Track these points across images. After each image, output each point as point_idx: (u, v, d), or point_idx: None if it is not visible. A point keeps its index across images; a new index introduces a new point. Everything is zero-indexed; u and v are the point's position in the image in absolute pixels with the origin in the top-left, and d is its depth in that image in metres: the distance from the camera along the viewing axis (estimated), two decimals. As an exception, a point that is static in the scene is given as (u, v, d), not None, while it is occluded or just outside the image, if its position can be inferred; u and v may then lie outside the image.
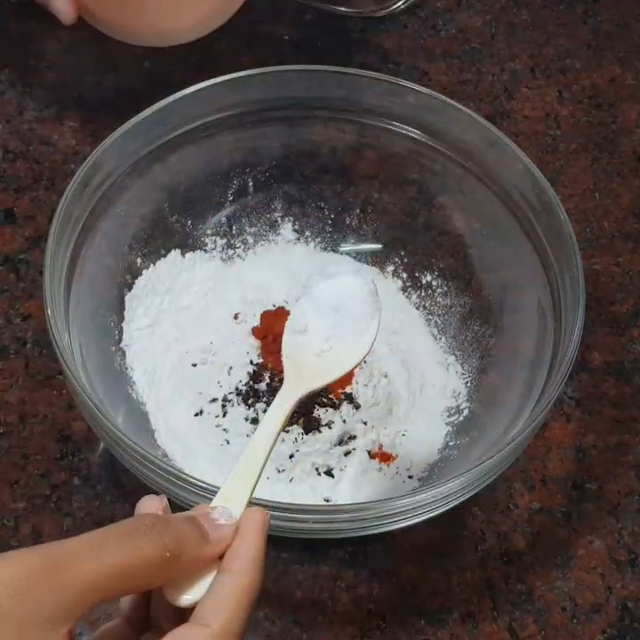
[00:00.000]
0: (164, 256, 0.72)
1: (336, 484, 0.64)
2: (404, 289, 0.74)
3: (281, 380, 0.66)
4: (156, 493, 0.56)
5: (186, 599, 0.40)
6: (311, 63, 0.82)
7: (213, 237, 0.74)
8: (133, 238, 0.70)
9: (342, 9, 0.90)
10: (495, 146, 0.68)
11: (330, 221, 0.76)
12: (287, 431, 0.65)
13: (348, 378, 0.68)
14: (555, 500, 0.67)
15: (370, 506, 0.56)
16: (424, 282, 0.74)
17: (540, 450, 0.68)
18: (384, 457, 0.66)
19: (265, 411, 0.66)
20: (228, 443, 0.65)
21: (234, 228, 0.75)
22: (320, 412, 0.66)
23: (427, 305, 0.73)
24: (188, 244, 0.73)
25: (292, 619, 0.61)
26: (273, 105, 0.72)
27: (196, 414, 0.67)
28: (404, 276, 0.74)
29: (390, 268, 0.75)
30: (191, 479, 0.54)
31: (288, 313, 0.71)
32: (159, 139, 0.69)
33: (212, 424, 0.66)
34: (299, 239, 0.76)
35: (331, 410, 0.67)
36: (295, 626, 0.61)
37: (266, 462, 0.46)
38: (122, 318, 0.69)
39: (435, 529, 0.64)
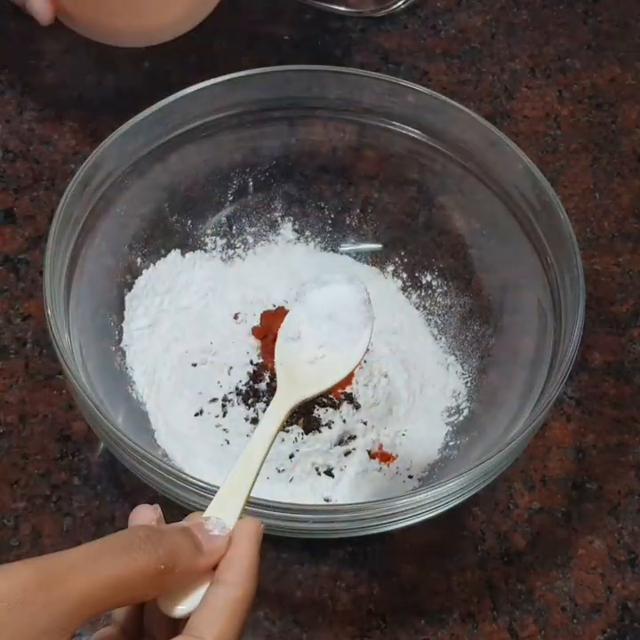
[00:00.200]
0: (164, 256, 0.72)
1: (336, 484, 0.64)
2: (404, 289, 0.74)
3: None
4: (156, 493, 0.56)
5: (179, 610, 0.40)
6: (311, 63, 0.82)
7: (213, 237, 0.74)
8: (133, 238, 0.70)
9: (342, 9, 0.90)
10: (495, 146, 0.68)
11: (330, 221, 0.76)
12: (287, 431, 0.65)
13: (347, 378, 0.68)
14: (555, 500, 0.67)
15: (370, 506, 0.56)
16: (424, 282, 0.74)
17: (540, 450, 0.68)
18: (384, 457, 0.66)
19: (265, 411, 0.66)
20: (228, 443, 0.65)
21: (234, 227, 0.75)
22: (320, 412, 0.66)
23: (427, 305, 0.73)
24: (188, 243, 0.73)
25: (292, 619, 0.61)
26: (273, 105, 0.72)
27: (196, 414, 0.67)
28: (404, 276, 0.74)
29: (390, 268, 0.75)
30: (191, 479, 0.54)
31: (288, 312, 0.70)
32: (159, 139, 0.69)
33: (212, 424, 0.66)
34: (299, 239, 0.76)
35: (331, 410, 0.67)
36: (295, 626, 0.61)
37: (259, 472, 0.46)
38: (122, 318, 0.69)
39: (435, 529, 0.64)
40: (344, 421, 0.66)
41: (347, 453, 0.66)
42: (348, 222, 0.76)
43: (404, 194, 0.74)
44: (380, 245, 0.75)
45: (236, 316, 0.71)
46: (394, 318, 0.72)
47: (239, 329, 0.71)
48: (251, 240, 0.75)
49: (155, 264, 0.71)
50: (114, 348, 0.68)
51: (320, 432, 0.66)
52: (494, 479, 0.59)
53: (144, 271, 0.71)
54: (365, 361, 0.69)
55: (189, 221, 0.73)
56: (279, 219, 0.76)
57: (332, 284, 0.56)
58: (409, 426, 0.68)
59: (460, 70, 0.88)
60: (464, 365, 0.70)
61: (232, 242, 0.75)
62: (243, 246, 0.75)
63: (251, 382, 0.67)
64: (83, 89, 0.84)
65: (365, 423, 0.67)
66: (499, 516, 0.66)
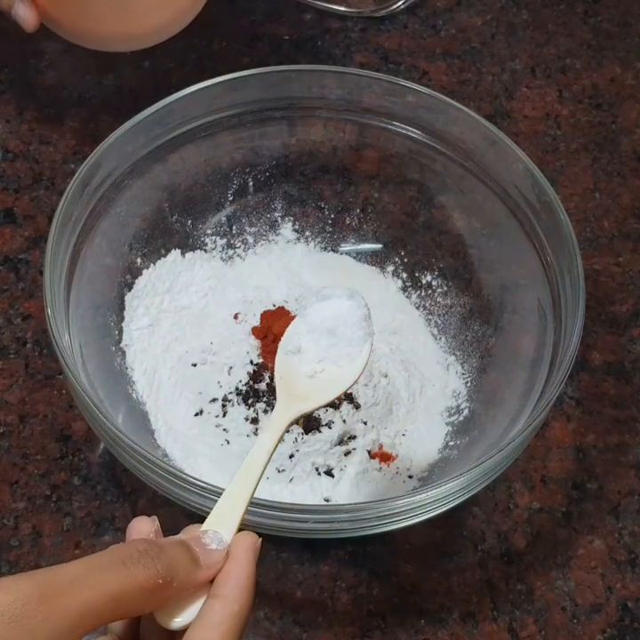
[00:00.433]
0: (164, 256, 0.72)
1: (336, 484, 0.64)
2: (404, 289, 0.74)
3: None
4: (156, 493, 0.56)
5: (176, 622, 0.41)
6: (311, 63, 0.83)
7: (213, 237, 0.74)
8: (133, 238, 0.70)
9: (342, 9, 0.90)
10: (495, 146, 0.68)
11: (330, 221, 0.76)
12: (287, 431, 0.65)
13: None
14: (555, 499, 0.67)
15: (370, 506, 0.56)
16: (424, 282, 0.74)
17: (540, 450, 0.68)
18: (384, 457, 0.66)
19: (265, 411, 0.66)
20: (228, 443, 0.65)
21: (234, 227, 0.75)
22: (320, 412, 0.66)
23: (427, 305, 0.73)
24: (188, 243, 0.73)
25: (292, 619, 0.61)
26: (273, 105, 0.72)
27: (196, 414, 0.67)
28: (404, 275, 0.74)
29: (390, 268, 0.75)
30: (191, 479, 0.54)
31: (288, 313, 0.71)
32: (159, 139, 0.69)
33: (212, 424, 0.66)
34: (299, 239, 0.76)
35: (331, 410, 0.67)
36: (295, 626, 0.61)
37: (258, 485, 0.46)
38: (122, 318, 0.69)
39: (435, 529, 0.64)
40: (344, 421, 0.66)
41: (347, 453, 0.66)
42: (348, 222, 0.76)
43: (404, 194, 0.74)
44: (379, 245, 0.75)
45: (236, 316, 0.71)
46: (394, 318, 0.72)
47: (239, 329, 0.71)
48: (251, 240, 0.75)
49: (155, 264, 0.71)
50: (114, 348, 0.68)
51: (320, 432, 0.66)
52: (494, 479, 0.59)
53: (144, 271, 0.71)
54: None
55: (189, 221, 0.73)
56: (279, 219, 0.76)
57: (333, 298, 0.56)
58: (409, 426, 0.68)
59: (460, 70, 0.88)
60: (464, 365, 0.70)
61: (232, 242, 0.75)
62: (243, 246, 0.75)
63: (251, 382, 0.67)
64: (83, 89, 0.84)
65: (365, 423, 0.67)
66: (499, 516, 0.66)
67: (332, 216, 0.76)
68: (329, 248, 0.76)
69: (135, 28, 0.75)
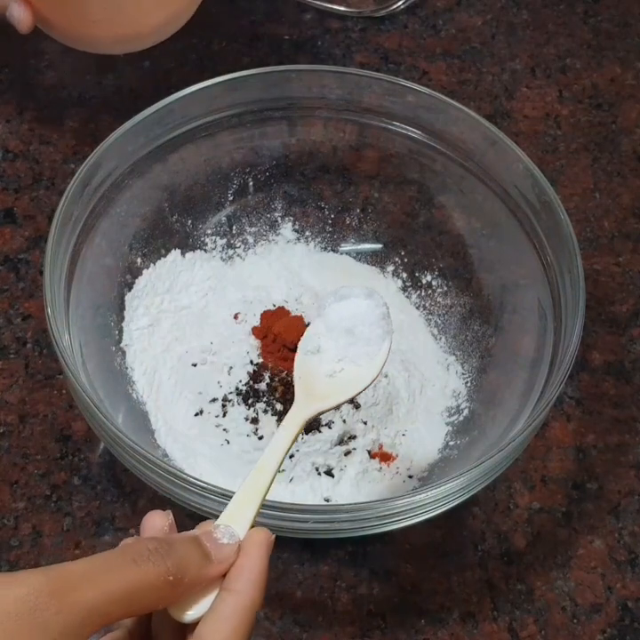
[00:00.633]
0: (164, 256, 0.72)
1: (336, 484, 0.64)
2: (404, 289, 0.74)
3: (280, 380, 0.66)
4: (156, 493, 0.56)
5: (188, 616, 0.41)
6: (311, 63, 0.83)
7: (213, 237, 0.74)
8: (133, 238, 0.70)
9: (342, 9, 0.90)
10: (495, 146, 0.68)
11: (330, 221, 0.76)
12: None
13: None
14: (555, 499, 0.67)
15: (370, 506, 0.56)
16: (424, 282, 0.74)
17: (540, 450, 0.68)
18: (384, 457, 0.66)
19: (265, 411, 0.66)
20: (228, 443, 0.65)
21: (234, 227, 0.75)
22: (320, 412, 0.66)
23: (427, 305, 0.73)
24: (188, 243, 0.73)
25: (292, 619, 0.61)
26: (273, 105, 0.72)
27: (196, 414, 0.67)
28: (404, 275, 0.74)
29: (390, 268, 0.75)
30: (191, 479, 0.54)
31: (288, 313, 0.71)
32: (159, 139, 0.69)
33: (212, 424, 0.66)
34: (299, 239, 0.76)
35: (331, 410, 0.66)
36: (295, 626, 0.61)
37: (272, 483, 0.46)
38: (122, 318, 0.69)
39: (435, 529, 0.64)
40: (344, 421, 0.66)
41: (347, 453, 0.66)
42: (348, 222, 0.76)
43: (404, 194, 0.74)
44: (379, 245, 0.75)
45: (236, 316, 0.71)
46: (394, 318, 0.72)
47: (239, 329, 0.70)
48: (251, 240, 0.75)
49: (155, 264, 0.71)
50: (114, 348, 0.68)
51: (320, 432, 0.66)
52: (494, 479, 0.59)
53: (144, 271, 0.71)
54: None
55: (189, 221, 0.73)
56: (279, 219, 0.76)
57: (351, 297, 0.56)
58: (409, 426, 0.68)
59: (460, 70, 0.88)
60: (464, 365, 0.70)
61: (232, 242, 0.75)
62: (243, 246, 0.75)
63: (251, 382, 0.67)
64: (83, 89, 0.84)
65: (365, 423, 0.67)
66: (499, 516, 0.66)
67: (332, 216, 0.76)
68: (329, 248, 0.76)
69: (129, 31, 0.75)
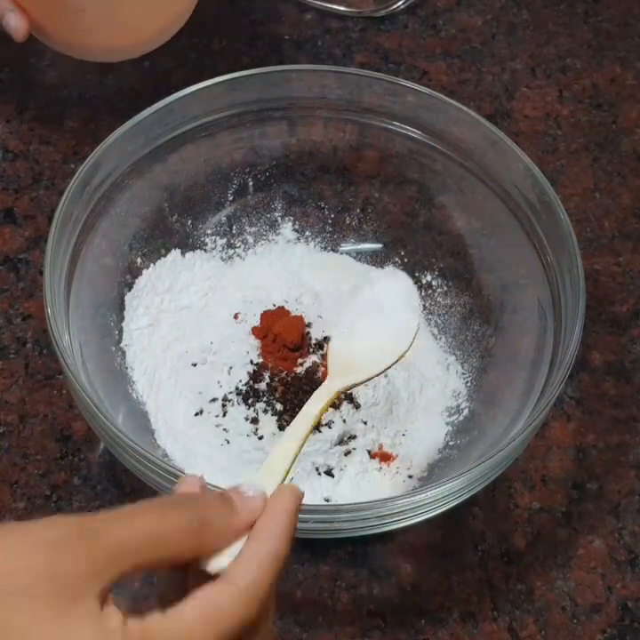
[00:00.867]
0: (164, 256, 0.72)
1: (336, 484, 0.64)
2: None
3: (280, 380, 0.66)
4: (156, 493, 0.56)
5: (215, 563, 0.41)
6: (311, 63, 0.83)
7: (213, 237, 0.74)
8: (133, 238, 0.70)
9: (342, 9, 0.90)
10: (495, 146, 0.68)
11: (330, 221, 0.76)
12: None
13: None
14: (555, 499, 0.67)
15: (370, 506, 0.56)
16: (424, 282, 0.74)
17: (540, 450, 0.68)
18: (384, 457, 0.66)
19: (265, 411, 0.66)
20: (228, 442, 0.65)
21: (234, 227, 0.75)
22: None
23: (427, 305, 0.73)
24: (188, 243, 0.73)
25: (292, 619, 0.61)
26: (273, 105, 0.72)
27: (196, 414, 0.67)
28: (404, 275, 0.74)
29: (390, 268, 0.75)
30: (191, 479, 0.54)
31: (288, 313, 0.71)
32: (159, 139, 0.69)
33: (212, 424, 0.66)
34: (299, 239, 0.76)
35: (331, 409, 0.66)
36: (295, 626, 0.61)
37: (301, 449, 0.49)
38: (122, 318, 0.69)
39: (435, 529, 0.64)
40: (344, 421, 0.66)
41: (347, 453, 0.66)
42: (348, 222, 0.76)
43: (404, 194, 0.74)
44: (379, 245, 0.75)
45: (236, 316, 0.71)
46: (394, 318, 0.72)
47: (239, 329, 0.70)
48: (251, 240, 0.75)
49: (155, 264, 0.71)
50: (114, 348, 0.68)
51: (320, 432, 0.66)
52: (494, 479, 0.59)
53: (144, 271, 0.71)
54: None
55: (189, 221, 0.73)
56: (279, 219, 0.76)
57: (381, 279, 0.62)
58: (409, 426, 0.68)
59: (460, 70, 0.88)
60: (464, 365, 0.70)
61: (232, 242, 0.75)
62: (243, 246, 0.75)
63: (251, 382, 0.67)
64: (83, 89, 0.84)
65: (365, 423, 0.67)
66: (499, 516, 0.66)
67: (332, 216, 0.76)
68: (329, 248, 0.76)
69: (121, 40, 0.76)
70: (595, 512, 0.66)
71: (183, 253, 0.73)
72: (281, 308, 0.71)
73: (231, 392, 0.67)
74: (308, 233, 0.76)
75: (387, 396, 0.68)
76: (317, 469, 0.65)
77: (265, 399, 0.66)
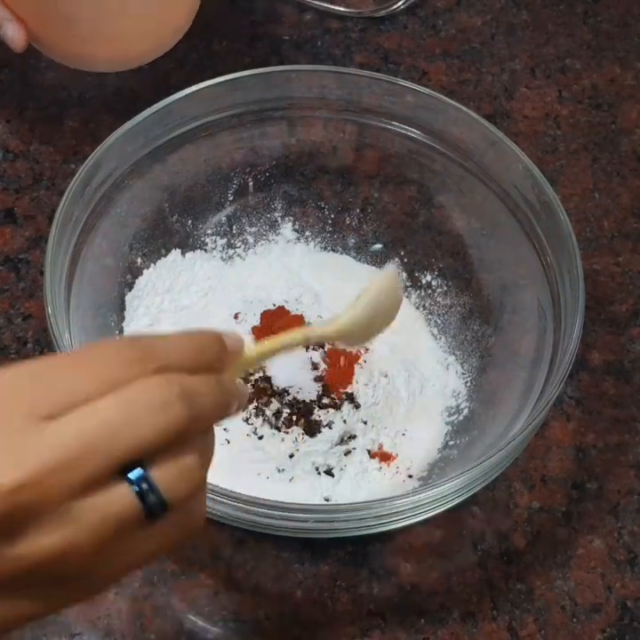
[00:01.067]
0: (165, 256, 0.72)
1: (336, 484, 0.65)
2: (404, 289, 0.74)
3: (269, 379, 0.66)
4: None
5: None
6: (311, 63, 0.83)
7: (213, 237, 0.74)
8: (133, 238, 0.70)
9: (342, 9, 0.90)
10: (495, 146, 0.68)
11: (330, 221, 0.76)
12: (287, 432, 0.65)
13: (348, 377, 0.68)
14: (555, 499, 0.67)
15: (370, 505, 0.56)
16: (424, 282, 0.74)
17: (539, 449, 0.68)
18: (384, 456, 0.66)
19: (263, 411, 0.66)
20: (228, 442, 0.65)
21: (234, 227, 0.75)
22: (321, 413, 0.66)
23: (427, 305, 0.73)
24: (189, 243, 0.73)
25: (292, 618, 0.61)
26: (273, 105, 0.72)
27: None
28: (404, 275, 0.74)
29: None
30: (191, 479, 0.54)
31: (288, 312, 0.71)
32: (159, 139, 0.69)
33: (212, 424, 0.66)
34: (299, 239, 0.76)
35: (331, 410, 0.67)
36: (295, 625, 0.61)
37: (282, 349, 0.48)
38: (122, 318, 0.69)
39: (435, 529, 0.64)
40: (344, 421, 0.66)
41: (347, 453, 0.66)
42: (348, 222, 0.76)
43: (404, 194, 0.74)
44: (380, 245, 0.75)
45: (236, 316, 0.71)
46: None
47: (239, 329, 0.71)
48: (251, 240, 0.75)
49: (155, 264, 0.71)
50: (114, 348, 0.68)
51: (320, 432, 0.66)
52: (494, 479, 0.59)
53: (144, 271, 0.71)
54: (365, 361, 0.69)
55: (189, 221, 0.73)
56: (279, 219, 0.76)
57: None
58: (409, 425, 0.68)
59: (459, 70, 0.88)
60: (464, 365, 0.70)
61: (232, 242, 0.75)
62: (243, 246, 0.75)
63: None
64: (83, 89, 0.84)
65: (365, 423, 0.67)
66: (499, 516, 0.66)
67: (332, 216, 0.76)
68: (329, 248, 0.76)
69: (121, 50, 0.76)
70: (594, 512, 0.66)
71: (183, 253, 0.73)
72: (281, 308, 0.71)
73: (231, 392, 0.67)
74: (307, 233, 0.76)
75: (387, 396, 0.68)
76: (317, 469, 0.65)
77: (260, 400, 0.66)
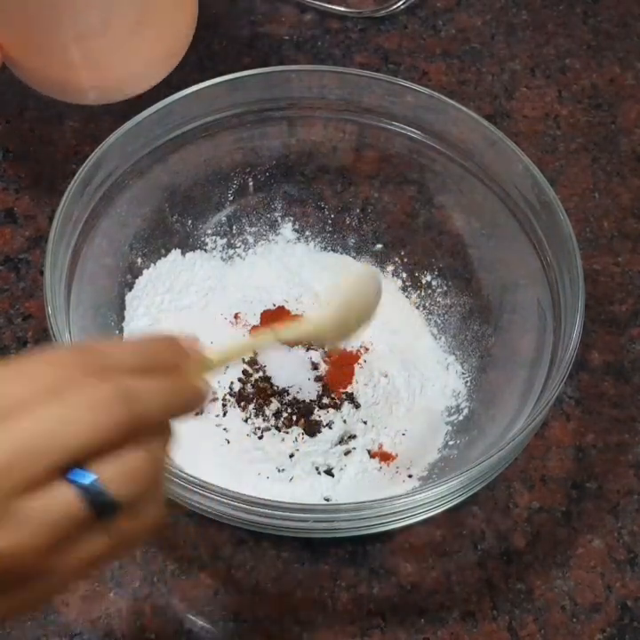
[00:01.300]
0: (165, 256, 0.72)
1: (336, 484, 0.65)
2: (403, 289, 0.74)
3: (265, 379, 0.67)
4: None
5: None
6: (311, 63, 0.83)
7: (214, 237, 0.74)
8: (134, 238, 0.70)
9: (342, 9, 0.90)
10: (495, 146, 0.68)
11: (330, 221, 0.76)
12: (287, 432, 0.65)
13: (348, 377, 0.68)
14: (554, 499, 0.67)
15: (370, 505, 0.56)
16: (424, 282, 0.74)
17: (539, 449, 0.68)
18: (384, 456, 0.66)
19: (263, 410, 0.66)
20: (228, 442, 0.65)
21: (234, 227, 0.75)
22: (321, 413, 0.67)
23: (427, 305, 0.73)
24: (189, 243, 0.73)
25: (292, 618, 0.61)
26: (273, 105, 0.72)
27: (196, 414, 0.67)
28: (404, 275, 0.74)
29: (390, 268, 0.75)
30: (191, 479, 0.54)
31: (288, 312, 0.71)
32: (159, 139, 0.69)
33: (213, 424, 0.66)
34: (299, 239, 0.76)
35: (331, 410, 0.67)
36: (295, 625, 0.61)
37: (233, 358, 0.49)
38: (122, 318, 0.69)
39: (434, 528, 0.64)
40: (344, 421, 0.66)
41: (347, 453, 0.66)
42: (348, 222, 0.76)
43: (404, 194, 0.74)
44: (379, 245, 0.75)
45: (236, 316, 0.71)
46: (394, 318, 0.72)
47: (239, 329, 0.71)
48: (251, 240, 0.75)
49: (155, 264, 0.71)
50: (114, 348, 0.68)
51: (320, 432, 0.66)
52: (494, 478, 0.59)
53: (144, 271, 0.71)
54: (365, 360, 0.69)
55: (189, 221, 0.73)
56: (279, 219, 0.76)
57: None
58: (409, 425, 0.68)
59: (459, 70, 0.88)
60: (464, 365, 0.71)
61: (232, 242, 0.75)
62: (243, 246, 0.75)
63: (241, 383, 0.67)
64: (83, 89, 0.84)
65: (365, 423, 0.67)
66: (498, 516, 0.66)
67: (332, 216, 0.76)
68: (329, 248, 0.76)
69: (111, 77, 0.72)
70: (594, 512, 0.66)
71: (183, 253, 0.73)
72: (281, 308, 0.71)
73: (227, 392, 0.67)
74: (308, 233, 0.76)
75: (387, 395, 0.68)
76: (317, 469, 0.65)
77: (257, 400, 0.66)
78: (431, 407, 0.69)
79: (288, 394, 0.67)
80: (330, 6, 0.90)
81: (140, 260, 0.71)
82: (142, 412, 0.38)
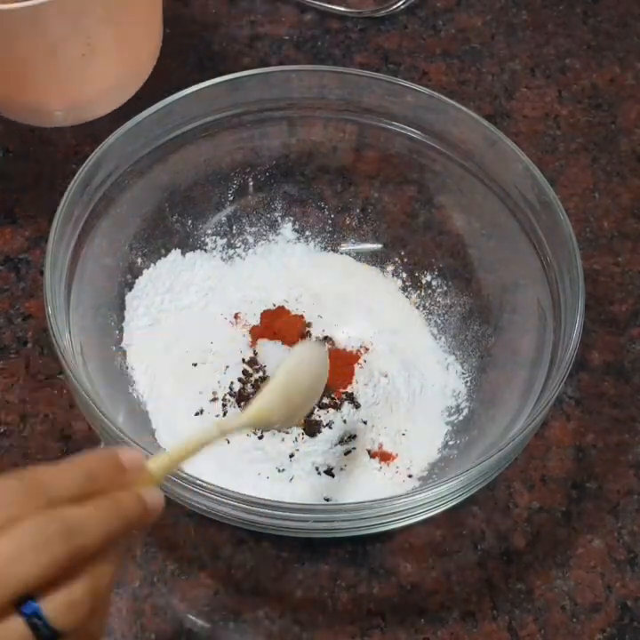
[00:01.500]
0: (165, 256, 0.72)
1: (336, 484, 0.65)
2: (403, 289, 0.74)
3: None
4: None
5: None
6: (311, 63, 0.83)
7: (214, 237, 0.74)
8: (134, 238, 0.70)
9: (342, 9, 0.90)
10: (495, 146, 0.68)
11: (330, 221, 0.76)
12: (287, 432, 0.65)
13: (348, 377, 0.68)
14: (554, 499, 0.67)
15: (370, 505, 0.56)
16: (424, 282, 0.74)
17: (539, 449, 0.68)
18: (384, 456, 0.66)
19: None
20: (228, 442, 0.65)
21: (234, 227, 0.75)
22: (321, 413, 0.67)
23: (427, 305, 0.73)
24: (189, 243, 0.73)
25: (292, 618, 0.61)
26: (273, 105, 0.72)
27: (197, 414, 0.67)
28: (404, 275, 0.74)
29: (390, 268, 0.75)
30: (191, 479, 0.54)
31: (288, 312, 0.71)
32: (159, 139, 0.69)
33: (213, 424, 0.66)
34: (299, 239, 0.76)
35: (332, 410, 0.67)
36: (295, 625, 0.61)
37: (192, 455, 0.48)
38: (122, 318, 0.69)
39: (435, 528, 0.64)
40: (344, 421, 0.66)
41: (347, 453, 0.66)
42: (348, 222, 0.76)
43: (404, 194, 0.74)
44: (379, 245, 0.75)
45: (236, 316, 0.71)
46: (394, 318, 0.72)
47: (239, 328, 0.71)
48: (251, 240, 0.75)
49: (155, 264, 0.71)
50: (114, 348, 0.68)
51: (320, 432, 0.66)
52: (494, 478, 0.59)
53: (144, 271, 0.71)
54: (365, 360, 0.69)
55: (189, 221, 0.73)
56: (279, 219, 0.76)
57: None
58: (409, 425, 0.68)
59: (459, 70, 0.88)
60: (464, 365, 0.71)
61: (232, 242, 0.75)
62: (243, 246, 0.75)
63: (241, 383, 0.67)
64: (83, 89, 0.84)
65: (365, 423, 0.67)
66: (498, 516, 0.66)
67: (332, 216, 0.76)
68: (329, 248, 0.76)
69: (76, 97, 0.73)
70: (594, 512, 0.66)
71: (183, 253, 0.73)
72: (281, 308, 0.71)
73: (228, 392, 0.67)
74: (308, 233, 0.76)
75: (387, 396, 0.68)
76: (317, 469, 0.65)
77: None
78: (431, 407, 0.69)
79: (288, 394, 0.67)
80: (330, 6, 0.90)
81: (139, 260, 0.71)
82: (83, 543, 0.40)
